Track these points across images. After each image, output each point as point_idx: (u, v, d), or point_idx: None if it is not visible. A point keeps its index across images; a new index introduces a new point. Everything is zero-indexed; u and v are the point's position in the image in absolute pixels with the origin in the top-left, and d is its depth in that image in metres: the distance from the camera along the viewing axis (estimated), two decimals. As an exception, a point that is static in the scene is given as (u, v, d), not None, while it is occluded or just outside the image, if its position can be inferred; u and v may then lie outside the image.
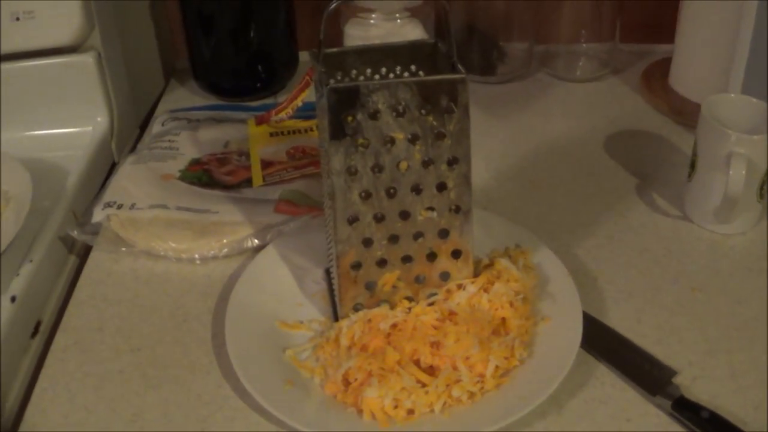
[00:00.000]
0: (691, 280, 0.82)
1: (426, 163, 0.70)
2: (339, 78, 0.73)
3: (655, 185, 0.96)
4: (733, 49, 0.96)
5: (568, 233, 0.88)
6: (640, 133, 1.06)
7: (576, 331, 0.72)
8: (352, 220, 0.71)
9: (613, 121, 1.09)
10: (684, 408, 0.68)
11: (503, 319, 0.73)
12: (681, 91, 1.09)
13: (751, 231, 0.88)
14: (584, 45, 1.18)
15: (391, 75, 0.74)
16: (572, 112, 1.12)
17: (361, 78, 0.74)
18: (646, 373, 0.72)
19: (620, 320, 0.78)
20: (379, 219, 0.71)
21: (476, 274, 0.76)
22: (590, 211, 0.92)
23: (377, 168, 0.69)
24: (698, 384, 0.71)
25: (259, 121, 1.02)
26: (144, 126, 1.13)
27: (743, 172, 0.81)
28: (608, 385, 0.71)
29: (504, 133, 1.07)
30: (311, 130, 1.01)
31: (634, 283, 0.82)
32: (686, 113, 1.05)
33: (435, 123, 0.68)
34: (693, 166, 0.88)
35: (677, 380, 0.71)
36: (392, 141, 0.68)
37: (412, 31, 1.04)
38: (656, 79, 1.14)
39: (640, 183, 0.96)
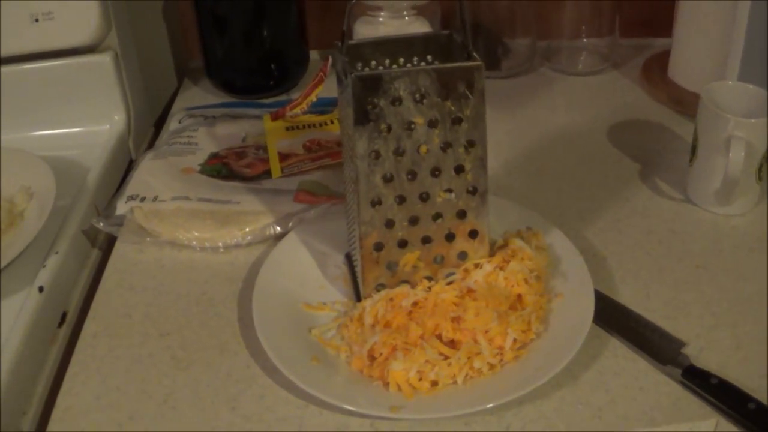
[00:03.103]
0: (695, 259, 0.85)
1: (444, 147, 0.72)
2: (359, 68, 0.76)
3: (658, 171, 0.98)
4: (729, 40, 0.98)
5: (576, 218, 0.91)
6: (641, 122, 1.09)
7: (588, 306, 0.75)
8: (375, 203, 0.73)
9: (615, 112, 1.11)
10: (693, 376, 0.70)
11: (519, 296, 0.76)
12: (680, 81, 1.12)
13: (751, 212, 0.90)
14: (585, 40, 1.20)
15: (408, 65, 0.77)
16: (575, 104, 1.14)
17: (380, 68, 0.76)
18: (656, 344, 0.74)
19: (630, 297, 0.80)
20: (400, 201, 0.74)
21: (491, 255, 0.79)
22: (596, 197, 0.94)
23: (399, 152, 0.72)
24: (705, 355, 0.73)
25: (275, 117, 1.04)
26: (159, 124, 1.14)
27: (742, 154, 0.83)
28: (620, 356, 0.74)
29: (510, 125, 1.09)
30: (326, 124, 1.03)
31: (641, 262, 0.84)
32: (685, 103, 1.08)
33: (453, 108, 0.71)
34: (694, 151, 0.90)
35: (686, 351, 0.73)
36: (412, 126, 0.71)
37: (419, 29, 1.07)
38: (655, 72, 1.16)
39: (642, 169, 0.98)
